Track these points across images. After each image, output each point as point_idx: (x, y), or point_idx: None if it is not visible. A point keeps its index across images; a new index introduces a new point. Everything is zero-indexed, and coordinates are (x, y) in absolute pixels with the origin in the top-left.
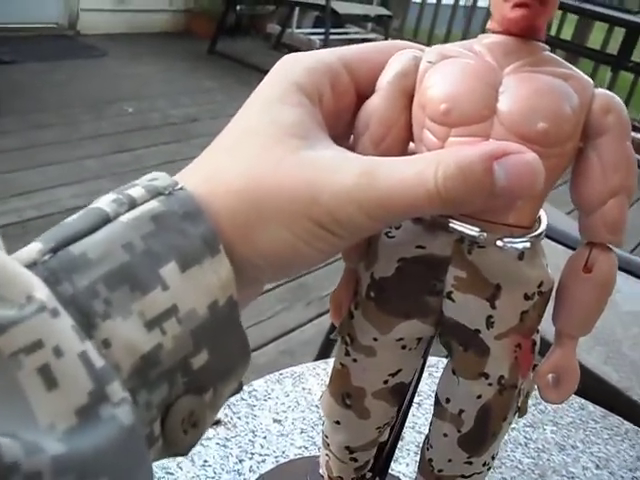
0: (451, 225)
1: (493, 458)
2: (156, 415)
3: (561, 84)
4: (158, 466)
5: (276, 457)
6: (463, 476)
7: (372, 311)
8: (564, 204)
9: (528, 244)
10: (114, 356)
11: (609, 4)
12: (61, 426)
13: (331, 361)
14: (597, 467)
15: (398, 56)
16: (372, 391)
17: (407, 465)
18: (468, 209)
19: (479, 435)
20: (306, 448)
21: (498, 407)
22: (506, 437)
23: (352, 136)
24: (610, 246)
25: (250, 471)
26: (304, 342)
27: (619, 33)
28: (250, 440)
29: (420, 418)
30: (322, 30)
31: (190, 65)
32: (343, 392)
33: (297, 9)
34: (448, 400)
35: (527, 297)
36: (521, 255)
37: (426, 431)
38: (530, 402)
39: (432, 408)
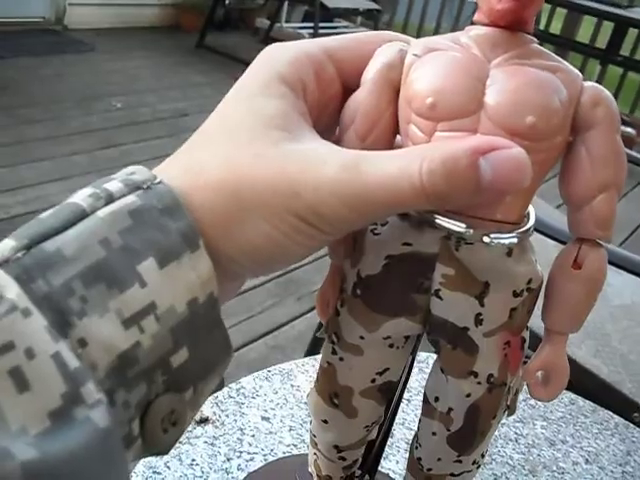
0: (437, 221)
1: (483, 456)
2: (135, 414)
3: (549, 77)
4: (145, 465)
5: (264, 455)
6: (452, 475)
7: (359, 309)
8: (554, 198)
9: (515, 240)
10: (90, 355)
11: None
12: (33, 430)
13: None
14: (587, 462)
15: (384, 48)
16: (360, 390)
17: (397, 462)
18: (454, 204)
19: (468, 434)
20: (295, 446)
21: (487, 406)
22: (496, 433)
23: (338, 129)
24: (600, 242)
25: (238, 469)
26: (294, 337)
27: (608, 27)
28: (238, 438)
29: (410, 414)
30: (311, 24)
31: (179, 60)
32: (330, 391)
33: (286, 3)
34: (437, 399)
35: (516, 294)
36: (509, 251)
37: (416, 428)
38: (520, 397)
39: (421, 405)
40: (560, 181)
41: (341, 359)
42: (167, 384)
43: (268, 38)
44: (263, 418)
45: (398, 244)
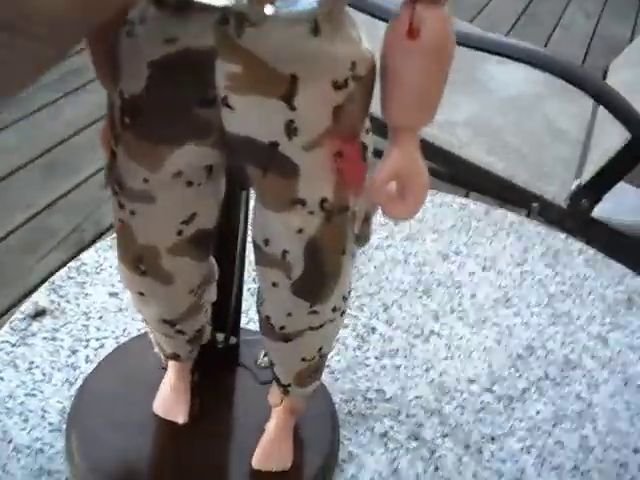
0: None
1: (345, 299)
2: None
3: None
4: None
5: (116, 338)
6: (312, 328)
7: (132, 143)
8: None
9: (315, 4)
10: None
11: None
12: None
13: None
14: (484, 269)
15: None
16: (166, 247)
17: None
18: None
19: (315, 278)
20: None
21: (329, 239)
22: (382, 256)
23: None
24: None
25: (87, 362)
26: None
27: None
28: (83, 325)
29: None
30: None
31: None
32: (133, 256)
33: None
34: (267, 242)
35: (337, 85)
36: (315, 28)
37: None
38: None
39: None
40: None
41: (132, 213)
42: None
43: None
44: (111, 295)
45: (160, 43)
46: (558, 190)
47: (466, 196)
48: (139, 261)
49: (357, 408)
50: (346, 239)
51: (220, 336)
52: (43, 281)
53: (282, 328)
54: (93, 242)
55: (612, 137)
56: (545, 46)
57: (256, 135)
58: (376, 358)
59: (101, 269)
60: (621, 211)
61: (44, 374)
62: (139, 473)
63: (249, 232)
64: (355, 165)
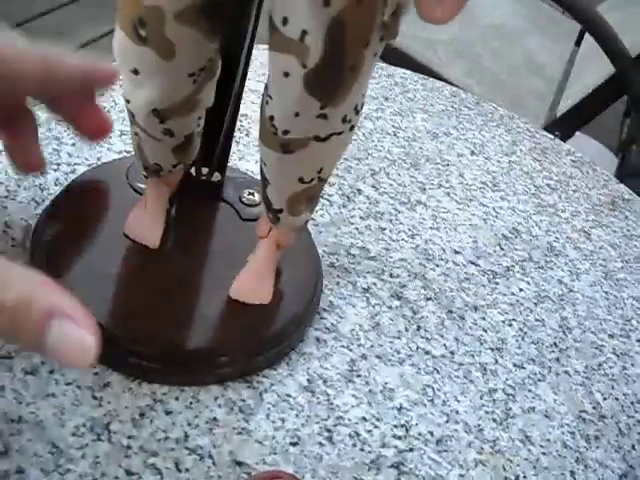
0: None
1: (357, 112)
2: None
3: None
4: None
5: (89, 165)
6: (318, 138)
7: None
8: None
9: None
10: None
11: None
12: None
13: None
14: (472, 153)
15: None
16: (173, 11)
17: (256, 162)
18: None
19: (332, 69)
20: (128, 153)
21: (355, 23)
22: (371, 126)
23: None
24: None
25: (56, 184)
26: None
27: None
28: (55, 149)
29: None
30: None
31: None
32: (134, 18)
33: None
34: (285, 20)
35: None
36: None
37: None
38: (397, 89)
39: None
40: None
41: None
42: None
43: None
44: None
45: None
46: (531, 121)
47: None
48: (141, 25)
49: (340, 262)
50: (373, 27)
51: (205, 170)
52: None
53: (285, 132)
54: None
55: (591, 76)
56: None
57: None
58: (361, 218)
59: None
60: None
61: (8, 191)
62: (107, 292)
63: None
64: None
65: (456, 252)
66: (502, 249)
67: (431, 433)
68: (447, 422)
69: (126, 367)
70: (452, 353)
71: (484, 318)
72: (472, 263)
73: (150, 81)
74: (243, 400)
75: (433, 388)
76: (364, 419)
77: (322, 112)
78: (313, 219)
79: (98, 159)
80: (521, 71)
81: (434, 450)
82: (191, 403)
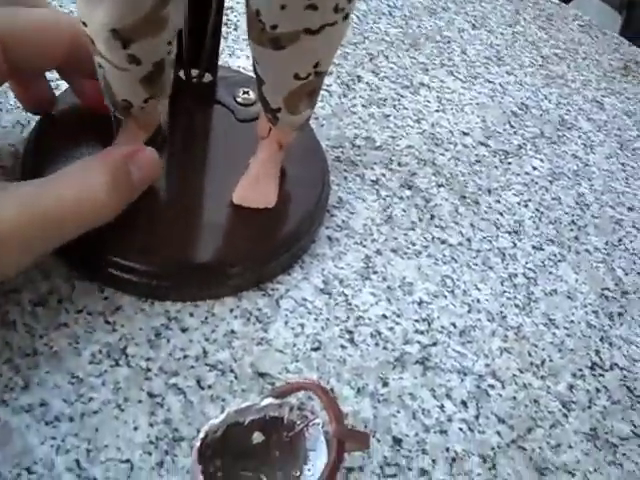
0: None
1: (350, 0)
2: None
3: None
4: None
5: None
6: (309, 31)
7: None
8: None
9: None
10: None
11: None
12: None
13: None
14: (474, 27)
15: None
16: None
17: (247, 58)
18: (121, 209)
19: None
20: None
21: None
22: (365, 7)
23: None
24: None
25: None
26: None
27: None
28: None
29: None
30: None
31: None
32: None
33: None
34: None
35: None
36: None
37: None
38: None
39: None
40: None
41: None
42: None
43: None
44: None
45: None
46: None
47: None
48: None
49: (345, 155)
50: None
51: (194, 72)
52: None
53: (274, 27)
54: None
55: None
56: None
57: None
58: (363, 106)
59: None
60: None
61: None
62: None
63: None
64: None
65: (465, 134)
66: (512, 127)
67: (454, 325)
68: (469, 312)
69: (136, 288)
70: (469, 240)
71: (499, 201)
72: (482, 144)
73: None
74: (259, 309)
75: (452, 278)
76: (384, 317)
77: (310, 2)
78: (314, 112)
79: None
80: None
81: (458, 342)
82: (206, 318)
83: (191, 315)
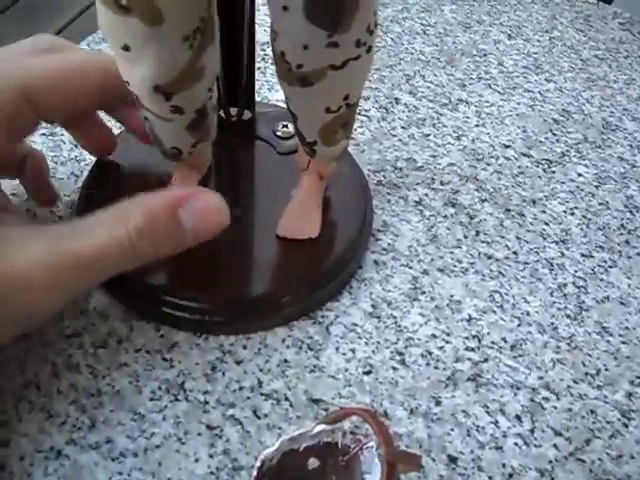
0: None
1: (370, 32)
2: None
3: None
4: None
5: (119, 127)
6: (334, 67)
7: None
8: None
9: None
10: None
11: None
12: None
13: None
14: (509, 37)
15: None
16: None
17: None
18: (163, 254)
19: None
20: None
21: None
22: (399, 29)
23: None
24: None
25: None
26: None
27: None
28: None
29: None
30: None
31: None
32: None
33: None
34: None
35: None
36: None
37: None
38: None
39: None
40: None
41: None
42: None
43: None
44: None
45: None
46: None
47: None
48: None
49: (387, 178)
50: None
51: (233, 110)
52: None
53: (299, 67)
54: None
55: None
56: None
57: None
58: (402, 128)
59: None
60: None
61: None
62: None
63: None
64: None
65: (506, 146)
66: (554, 134)
67: (504, 340)
68: (519, 326)
69: (190, 324)
70: (515, 253)
71: (544, 211)
72: (524, 155)
73: (143, 55)
74: (310, 337)
75: (500, 293)
76: (434, 336)
77: (331, 40)
78: (353, 138)
79: None
80: None
81: (509, 356)
82: (259, 349)
83: (244, 347)
